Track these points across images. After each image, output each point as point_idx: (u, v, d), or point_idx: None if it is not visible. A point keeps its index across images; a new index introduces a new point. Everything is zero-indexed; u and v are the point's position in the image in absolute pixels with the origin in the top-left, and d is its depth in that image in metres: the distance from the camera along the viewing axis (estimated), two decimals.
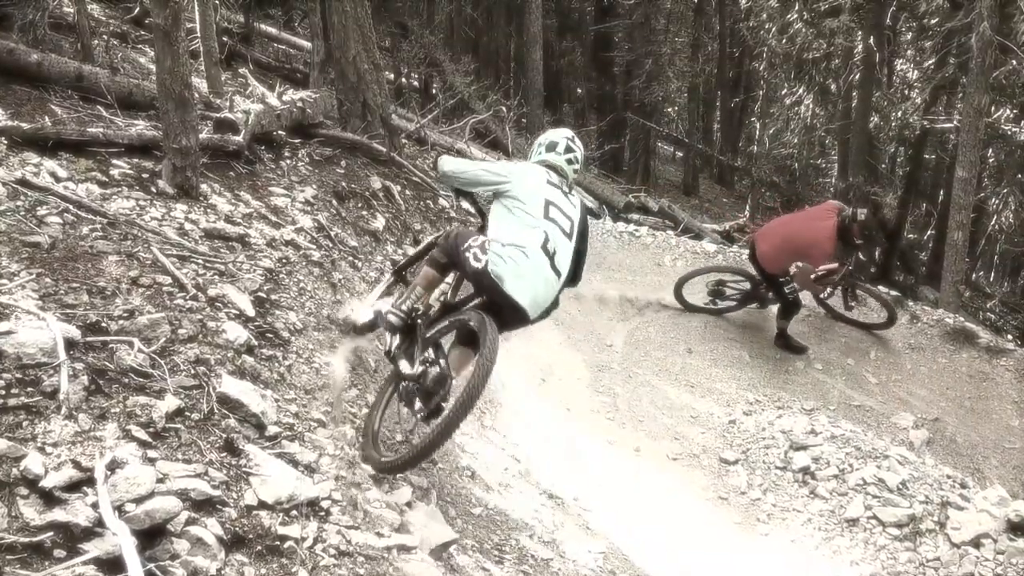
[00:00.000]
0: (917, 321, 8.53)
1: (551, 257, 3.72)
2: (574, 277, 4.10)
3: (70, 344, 2.86)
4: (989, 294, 15.81)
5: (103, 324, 3.11)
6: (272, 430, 3.21)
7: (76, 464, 2.36)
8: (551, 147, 4.15)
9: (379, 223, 7.11)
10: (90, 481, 2.35)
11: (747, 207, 18.07)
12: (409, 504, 3.57)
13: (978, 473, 6.78)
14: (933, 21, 12.99)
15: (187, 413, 2.96)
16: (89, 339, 2.99)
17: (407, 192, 8.22)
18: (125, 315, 3.20)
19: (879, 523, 4.85)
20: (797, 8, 13.07)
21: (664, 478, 5.71)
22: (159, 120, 4.98)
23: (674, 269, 9.51)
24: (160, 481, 2.55)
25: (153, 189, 4.67)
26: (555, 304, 3.93)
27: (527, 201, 3.79)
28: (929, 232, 16.90)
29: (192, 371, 3.15)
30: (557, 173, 4.04)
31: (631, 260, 9.35)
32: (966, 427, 7.34)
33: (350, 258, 6.00)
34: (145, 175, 4.80)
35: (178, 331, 3.32)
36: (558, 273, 3.77)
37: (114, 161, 4.81)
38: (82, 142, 4.75)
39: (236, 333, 3.56)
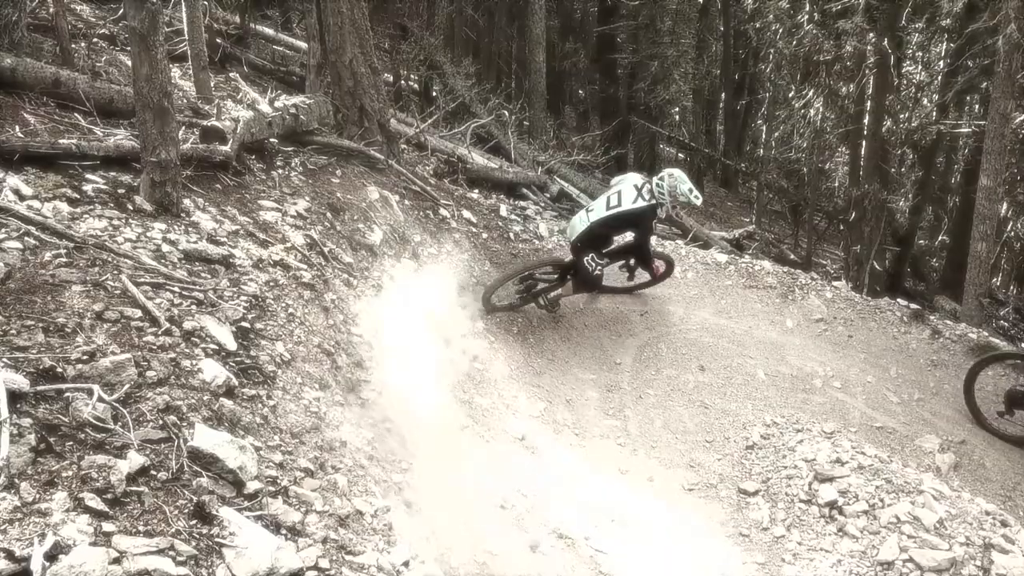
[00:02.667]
0: (939, 336, 8.15)
1: (587, 212, 6.79)
2: (639, 256, 7.19)
3: (16, 397, 2.49)
4: (1002, 301, 15.42)
5: (59, 369, 2.74)
6: (252, 486, 2.84)
7: (8, 554, 1.99)
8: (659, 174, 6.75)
9: (376, 236, 6.74)
10: (25, 573, 1.98)
11: (753, 212, 17.73)
12: (407, 563, 3.20)
13: (1010, 501, 6.39)
14: (944, 23, 12.66)
15: (153, 472, 2.60)
16: (40, 388, 2.63)
17: (406, 202, 7.85)
18: (85, 358, 2.84)
19: (916, 567, 4.47)
20: (807, 9, 12.70)
21: (681, 512, 5.35)
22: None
23: (684, 281, 9.14)
24: (115, 562, 2.19)
25: (130, 206, 4.31)
26: (595, 238, 6.77)
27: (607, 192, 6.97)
28: (940, 238, 16.53)
29: (160, 421, 2.78)
30: (647, 183, 6.63)
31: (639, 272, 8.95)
32: (994, 450, 6.96)
33: (344, 276, 5.63)
34: (122, 191, 4.43)
35: (146, 374, 2.95)
36: (589, 220, 6.70)
37: (88, 175, 4.44)
38: (53, 155, 4.38)
39: (214, 372, 3.20)
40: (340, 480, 3.41)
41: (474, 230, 8.48)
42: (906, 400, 7.50)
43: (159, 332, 3.20)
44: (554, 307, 7.30)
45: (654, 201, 6.56)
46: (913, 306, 8.77)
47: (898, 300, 9.00)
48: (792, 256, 14.91)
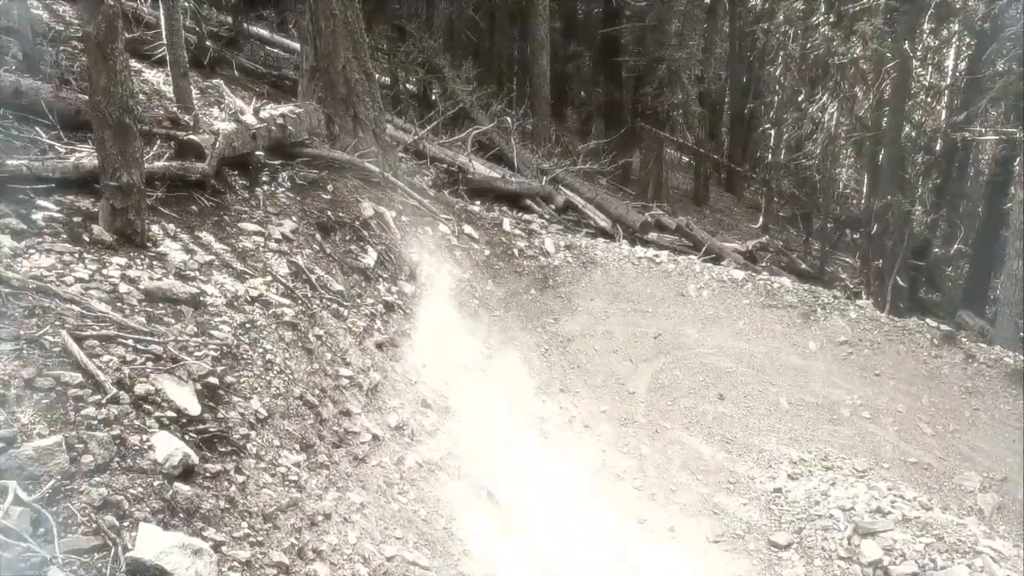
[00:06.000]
0: (973, 361, 7.62)
1: None
2: None
3: None
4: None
5: None
6: None
7: None
8: None
9: (370, 258, 6.21)
10: None
11: (760, 219, 17.16)
12: None
13: None
14: (953, 27, 12.12)
15: None
16: None
17: (403, 217, 7.31)
18: (1, 445, 2.30)
19: None
20: (822, 11, 12.17)
21: (707, 570, 4.82)
22: None
23: (699, 300, 8.62)
24: None
25: (86, 238, 3.77)
26: None
27: None
28: (956, 246, 15.97)
29: (94, 524, 2.25)
30: None
31: (651, 290, 8.44)
32: None
33: (334, 306, 5.09)
34: (78, 219, 3.90)
35: (81, 459, 2.42)
36: None
37: (40, 201, 3.91)
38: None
39: (168, 449, 2.67)
40: (321, 571, 2.88)
41: (476, 247, 7.96)
42: (940, 432, 6.98)
43: (103, 401, 2.67)
44: None
45: None
46: (944, 327, 8.23)
47: (927, 320, 8.48)
48: (803, 265, 14.37)
